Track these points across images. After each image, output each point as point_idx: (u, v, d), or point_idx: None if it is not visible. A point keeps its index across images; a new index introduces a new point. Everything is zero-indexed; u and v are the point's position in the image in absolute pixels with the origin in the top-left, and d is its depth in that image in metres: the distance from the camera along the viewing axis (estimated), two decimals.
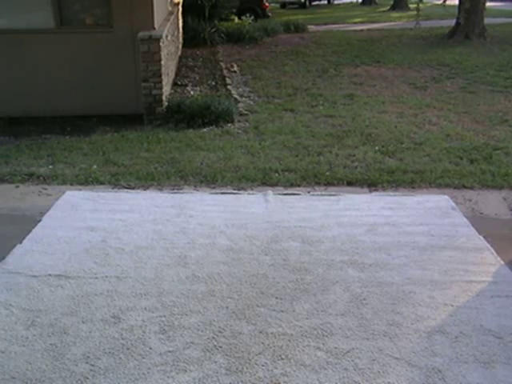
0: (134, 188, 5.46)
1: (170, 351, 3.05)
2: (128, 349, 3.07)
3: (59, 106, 7.89)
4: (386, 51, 14.17)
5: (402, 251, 4.15)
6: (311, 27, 19.48)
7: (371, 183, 5.55)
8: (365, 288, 3.67)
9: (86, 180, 5.61)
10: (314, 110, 8.49)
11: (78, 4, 7.89)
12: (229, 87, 9.99)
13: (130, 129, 7.44)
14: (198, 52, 14.05)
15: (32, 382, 2.83)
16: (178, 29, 12.95)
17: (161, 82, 7.68)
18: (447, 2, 16.82)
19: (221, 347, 3.09)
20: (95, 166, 5.98)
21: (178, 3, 13.54)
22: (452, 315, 3.39)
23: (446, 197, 5.18)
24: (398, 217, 4.74)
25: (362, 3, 31.82)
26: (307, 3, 31.02)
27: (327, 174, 5.73)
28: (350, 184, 5.56)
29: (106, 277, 3.79)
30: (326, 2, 34.45)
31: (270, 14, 22.49)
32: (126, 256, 4.07)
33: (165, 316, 3.36)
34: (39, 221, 4.64)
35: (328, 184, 5.56)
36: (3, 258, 4.01)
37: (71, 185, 5.53)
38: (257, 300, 3.53)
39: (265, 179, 5.62)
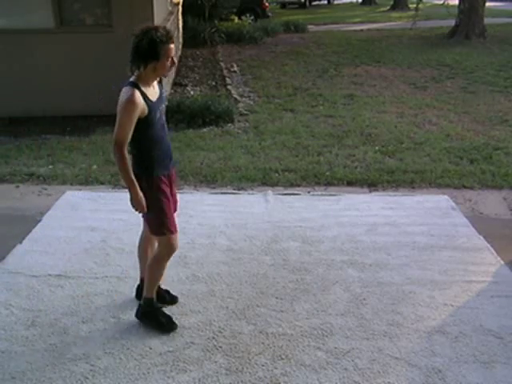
0: None
1: (169, 351, 3.06)
2: (128, 349, 3.07)
3: (59, 106, 7.89)
4: (386, 51, 14.17)
5: (401, 251, 4.15)
6: (311, 27, 19.47)
7: (371, 183, 5.55)
8: (365, 288, 3.67)
9: (86, 180, 5.61)
10: (313, 109, 8.49)
11: (77, 4, 7.89)
12: (229, 87, 9.99)
13: None
14: (197, 52, 14.05)
15: (32, 381, 2.83)
16: (178, 29, 12.95)
17: (161, 82, 7.66)
18: (448, 2, 16.79)
19: (221, 347, 3.09)
20: (95, 166, 5.98)
21: (178, 3, 13.54)
22: (452, 315, 3.39)
23: (446, 197, 5.18)
24: (398, 217, 4.74)
25: (362, 3, 31.78)
26: (307, 3, 30.98)
27: (327, 173, 5.73)
28: (349, 184, 5.56)
29: (106, 277, 3.79)
30: (325, 2, 34.40)
31: (270, 13, 22.46)
32: (126, 256, 4.07)
33: None
34: (39, 221, 4.64)
35: (328, 184, 5.56)
36: (3, 258, 4.02)
37: (71, 185, 5.53)
38: (257, 300, 3.53)
39: (265, 179, 5.62)
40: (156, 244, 3.29)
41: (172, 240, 3.14)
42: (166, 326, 3.25)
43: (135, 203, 2.98)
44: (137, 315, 3.30)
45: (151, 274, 3.23)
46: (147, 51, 2.83)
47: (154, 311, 3.28)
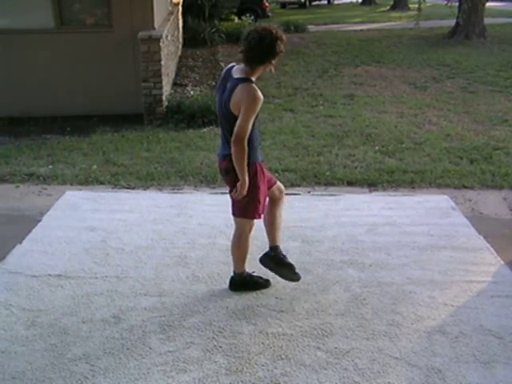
0: (134, 188, 5.46)
1: (169, 351, 3.05)
2: (128, 349, 3.07)
3: (59, 106, 7.89)
4: (386, 51, 14.16)
5: (401, 251, 4.15)
6: (311, 27, 19.45)
7: (371, 183, 5.55)
8: (365, 288, 3.67)
9: (86, 180, 5.61)
10: (313, 109, 8.48)
11: (78, 4, 7.89)
12: None
13: (130, 129, 7.44)
14: (197, 52, 14.03)
15: (32, 381, 2.83)
16: (178, 29, 12.94)
17: (161, 82, 7.67)
18: (452, 2, 16.79)
19: (221, 347, 3.09)
20: (95, 166, 5.98)
21: (178, 3, 13.53)
22: (452, 315, 3.39)
23: (446, 197, 5.18)
24: (398, 217, 4.74)
25: (362, 3, 31.77)
26: (307, 3, 30.99)
27: (327, 173, 5.73)
28: (350, 184, 5.56)
29: (106, 277, 3.79)
30: (325, 2, 34.40)
31: (269, 14, 22.48)
32: (126, 256, 4.07)
33: (165, 316, 3.36)
34: (39, 221, 4.64)
35: (328, 184, 5.56)
36: (3, 257, 4.02)
37: (71, 185, 5.53)
38: (257, 300, 3.53)
39: None
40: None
41: (253, 222, 3.50)
42: (263, 283, 3.64)
43: (243, 190, 3.19)
44: (230, 288, 3.63)
45: (238, 252, 3.54)
46: (275, 49, 3.07)
47: (246, 280, 3.61)
